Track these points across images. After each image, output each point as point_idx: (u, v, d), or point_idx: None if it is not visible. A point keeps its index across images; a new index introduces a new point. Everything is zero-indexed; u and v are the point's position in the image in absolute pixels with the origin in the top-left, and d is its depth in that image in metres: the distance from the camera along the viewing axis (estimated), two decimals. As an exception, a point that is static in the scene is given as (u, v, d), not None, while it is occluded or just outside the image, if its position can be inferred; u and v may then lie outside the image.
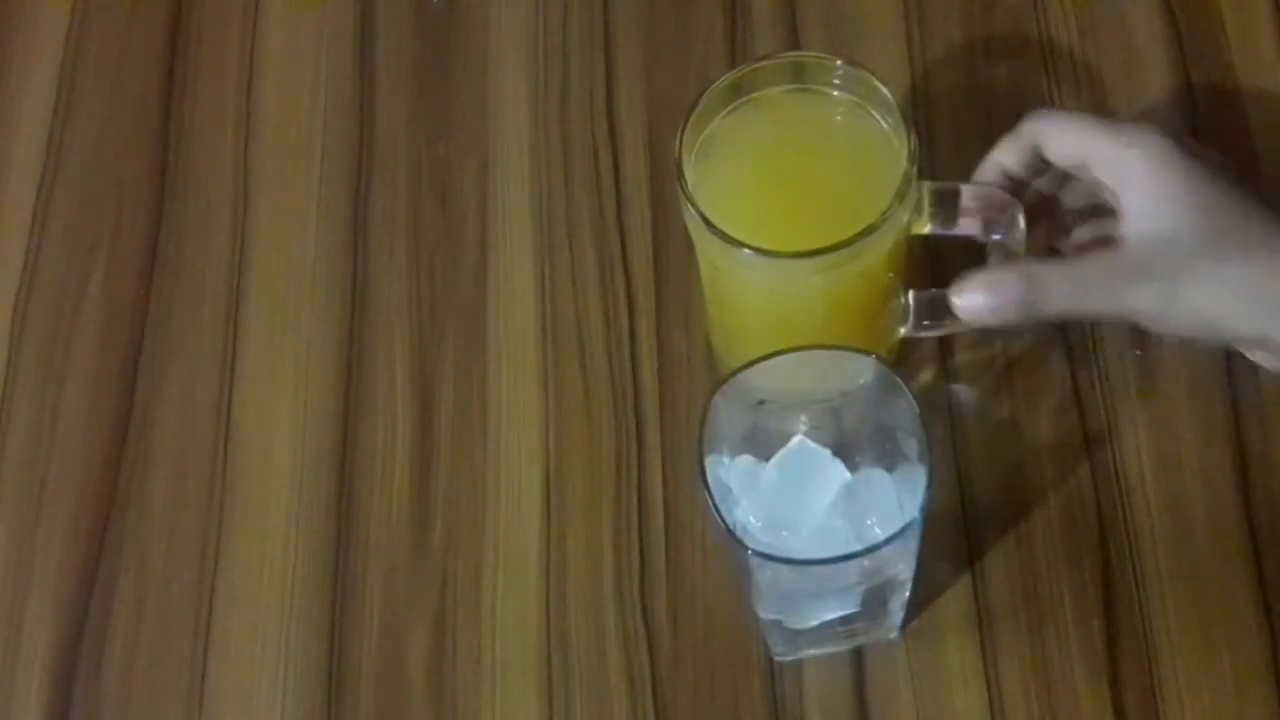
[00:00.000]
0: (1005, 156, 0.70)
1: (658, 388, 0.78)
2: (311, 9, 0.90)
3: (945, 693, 0.71)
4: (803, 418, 0.68)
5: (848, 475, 0.67)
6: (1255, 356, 0.72)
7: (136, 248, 0.84)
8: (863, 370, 0.65)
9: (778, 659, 0.72)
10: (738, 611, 0.72)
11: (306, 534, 0.76)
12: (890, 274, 0.71)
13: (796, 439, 0.68)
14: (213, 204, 0.85)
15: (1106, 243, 0.68)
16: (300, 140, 0.86)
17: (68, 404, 0.81)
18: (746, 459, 0.67)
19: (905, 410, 0.63)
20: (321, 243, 0.83)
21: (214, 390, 0.80)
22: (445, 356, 0.80)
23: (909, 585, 0.68)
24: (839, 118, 0.71)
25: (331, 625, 0.74)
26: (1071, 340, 0.77)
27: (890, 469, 0.67)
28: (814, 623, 0.69)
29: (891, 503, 0.66)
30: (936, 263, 0.76)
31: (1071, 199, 0.73)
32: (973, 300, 0.69)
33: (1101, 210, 0.70)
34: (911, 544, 0.64)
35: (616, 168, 0.84)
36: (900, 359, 0.76)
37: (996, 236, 0.70)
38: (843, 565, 0.61)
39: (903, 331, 0.74)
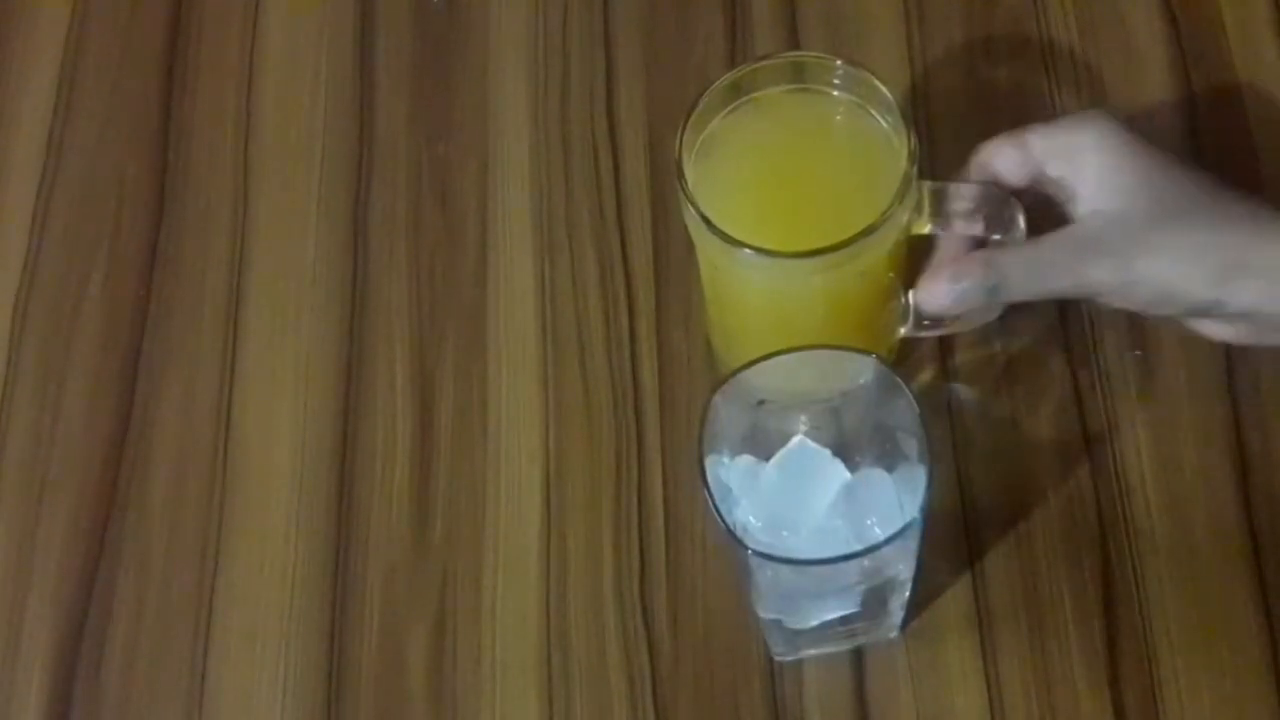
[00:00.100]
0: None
1: (658, 388, 0.78)
2: (311, 9, 0.90)
3: (945, 693, 0.71)
4: (803, 418, 0.68)
5: (848, 475, 0.67)
6: (1205, 328, 0.71)
7: (136, 247, 0.84)
8: (863, 370, 0.65)
9: (778, 659, 0.72)
10: (738, 611, 0.72)
11: (306, 534, 0.76)
12: (890, 274, 0.71)
13: (796, 439, 0.68)
14: (213, 204, 0.85)
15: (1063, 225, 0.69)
16: (300, 140, 0.86)
17: (68, 404, 0.81)
18: (746, 459, 0.67)
19: (905, 410, 0.63)
20: (321, 243, 0.83)
21: (214, 390, 0.80)
22: (445, 356, 0.80)
23: (909, 585, 0.68)
24: (839, 118, 0.71)
25: (331, 625, 0.74)
26: (1072, 340, 0.77)
27: (890, 469, 0.67)
28: (814, 623, 0.69)
29: (891, 503, 0.66)
30: (937, 263, 0.76)
31: None
32: (934, 292, 0.69)
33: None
34: (911, 544, 0.64)
35: (616, 168, 0.84)
36: (900, 359, 0.76)
37: (997, 236, 0.70)
38: (843, 565, 0.61)
39: (903, 331, 0.74)
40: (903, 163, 0.67)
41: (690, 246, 0.79)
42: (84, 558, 0.77)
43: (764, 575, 0.64)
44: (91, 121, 0.88)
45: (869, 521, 0.66)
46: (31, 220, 0.85)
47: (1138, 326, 0.75)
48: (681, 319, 0.79)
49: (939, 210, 0.69)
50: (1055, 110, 0.82)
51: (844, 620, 0.69)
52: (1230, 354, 0.75)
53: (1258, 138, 0.80)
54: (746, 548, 0.61)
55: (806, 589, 0.66)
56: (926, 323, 0.73)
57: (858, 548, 0.61)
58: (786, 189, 0.70)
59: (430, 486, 0.77)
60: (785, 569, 0.62)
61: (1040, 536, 0.73)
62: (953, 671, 0.71)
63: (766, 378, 0.65)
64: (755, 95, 0.70)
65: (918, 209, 0.69)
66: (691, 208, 0.67)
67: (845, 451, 0.67)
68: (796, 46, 0.86)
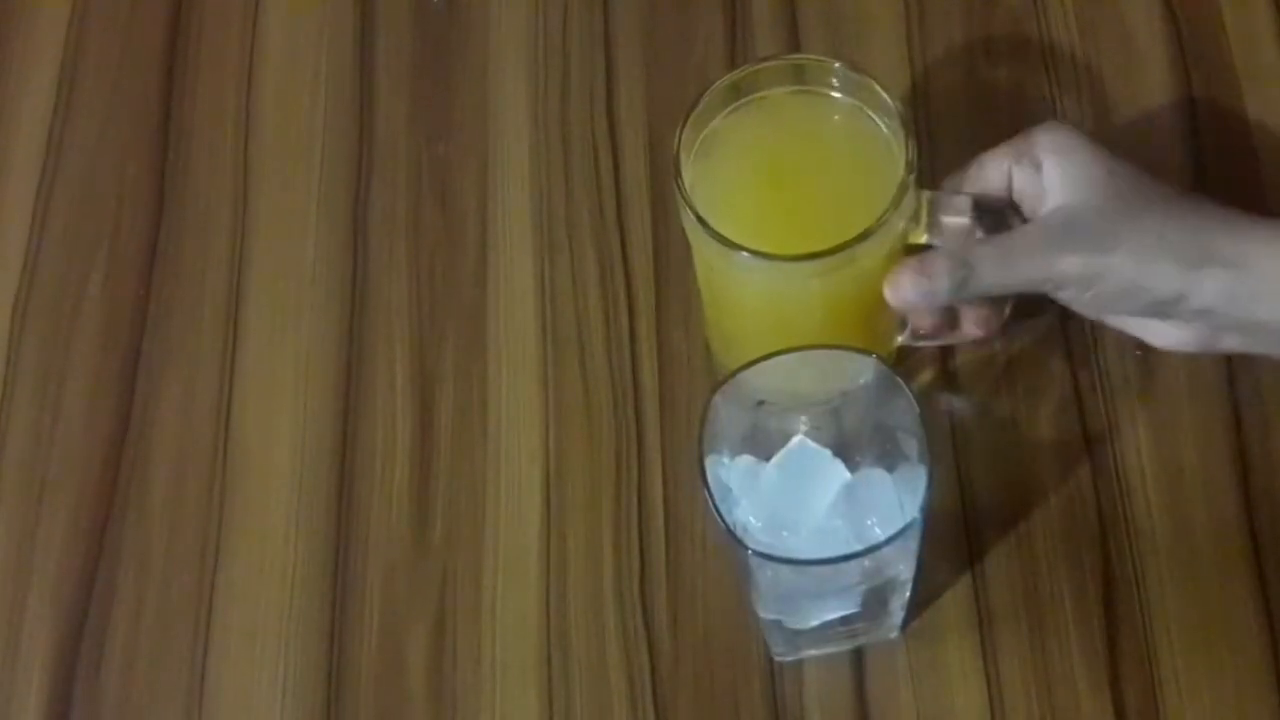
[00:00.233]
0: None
1: (658, 388, 0.78)
2: (311, 9, 0.90)
3: (945, 693, 0.71)
4: (803, 418, 0.68)
5: (848, 475, 0.67)
6: (1157, 334, 0.71)
7: (136, 247, 0.84)
8: (863, 370, 0.65)
9: (778, 659, 0.72)
10: (738, 611, 0.72)
11: (306, 534, 0.76)
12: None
13: (797, 439, 0.67)
14: (212, 204, 0.85)
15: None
16: (300, 140, 0.86)
17: (67, 403, 0.81)
18: (746, 459, 0.67)
19: (905, 410, 0.63)
20: (321, 243, 0.83)
21: (214, 390, 0.80)
22: (445, 356, 0.80)
23: (909, 585, 0.68)
24: (839, 121, 0.71)
25: (331, 625, 0.74)
26: (1072, 340, 0.77)
27: (890, 469, 0.67)
28: (814, 623, 0.69)
29: (892, 503, 0.66)
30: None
31: None
32: (903, 287, 0.68)
33: None
34: (912, 544, 0.64)
35: (616, 168, 0.84)
36: (900, 359, 0.76)
37: None
38: (843, 565, 0.61)
39: (899, 340, 0.74)
40: (900, 170, 0.67)
41: (690, 246, 0.79)
42: (84, 558, 0.77)
43: (764, 575, 0.64)
44: (91, 121, 0.88)
45: (869, 522, 0.66)
46: (31, 220, 0.85)
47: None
48: (681, 319, 0.79)
49: (935, 220, 0.69)
50: (1056, 111, 0.82)
51: (844, 620, 0.69)
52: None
53: (1258, 138, 0.80)
54: (746, 548, 0.61)
55: (807, 589, 0.66)
56: (923, 332, 0.73)
57: (858, 548, 0.61)
58: (784, 192, 0.70)
59: (430, 486, 0.77)
60: (785, 569, 0.62)
61: (1041, 537, 0.73)
62: (953, 672, 0.71)
63: (766, 378, 0.65)
64: (755, 97, 0.70)
65: (915, 218, 0.68)
66: (688, 209, 0.67)
67: (845, 451, 0.67)
68: (797, 47, 0.86)
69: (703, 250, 0.70)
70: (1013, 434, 0.75)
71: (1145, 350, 0.75)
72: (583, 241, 0.82)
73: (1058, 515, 0.73)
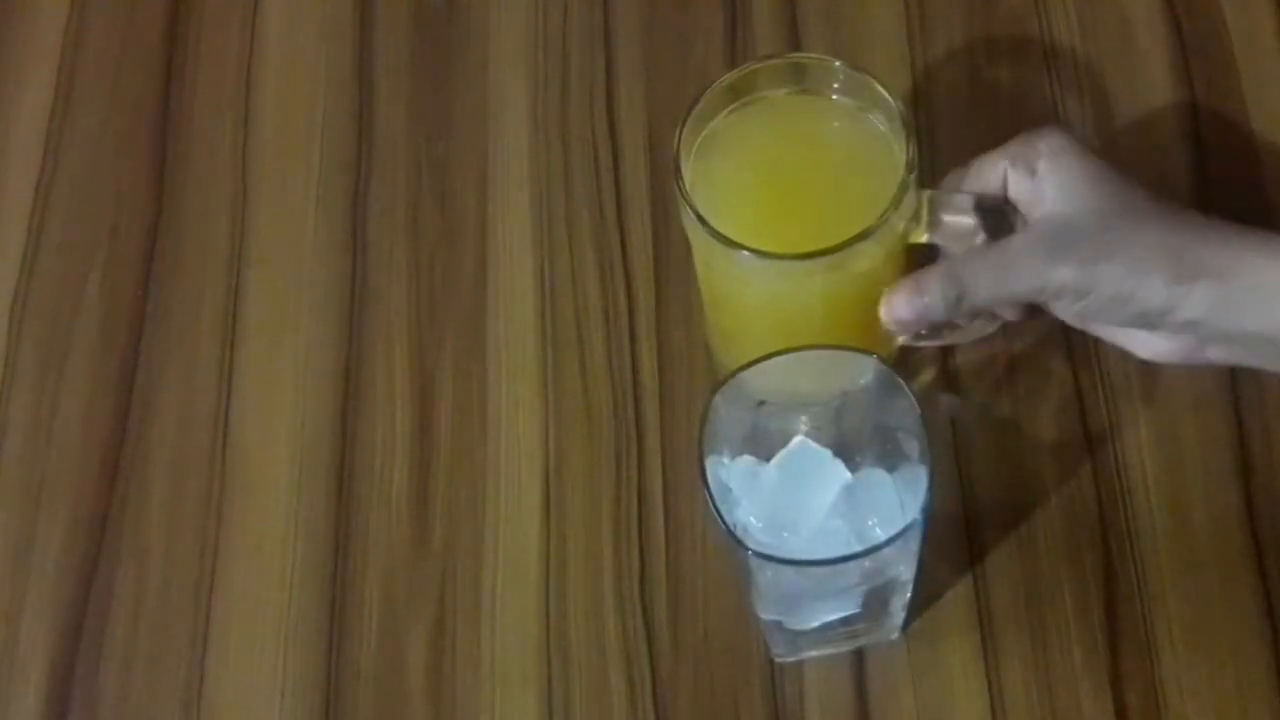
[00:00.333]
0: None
1: (658, 388, 0.78)
2: (311, 8, 0.90)
3: (946, 694, 0.71)
4: (803, 418, 0.68)
5: (848, 476, 0.67)
6: (1143, 345, 0.71)
7: (135, 247, 0.84)
8: (863, 370, 0.65)
9: (778, 660, 0.72)
10: (738, 612, 0.72)
11: (305, 534, 0.76)
12: (888, 282, 0.71)
13: (797, 439, 0.67)
14: (211, 204, 0.85)
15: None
16: (299, 139, 0.86)
17: (66, 404, 0.81)
18: (747, 459, 0.67)
19: (906, 410, 0.63)
20: (321, 242, 0.83)
21: (213, 390, 0.80)
22: (445, 356, 0.80)
23: (910, 586, 0.68)
24: (839, 121, 0.71)
25: (330, 625, 0.74)
26: (1073, 341, 0.77)
27: (891, 469, 0.67)
28: (815, 624, 0.69)
29: (892, 503, 0.66)
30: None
31: None
32: (899, 309, 0.68)
33: None
34: (912, 545, 0.64)
35: (616, 168, 0.83)
36: (900, 359, 0.76)
37: None
38: (843, 566, 0.61)
39: (900, 341, 0.74)
40: (900, 170, 0.67)
41: (690, 246, 0.79)
42: (82, 558, 0.77)
43: (764, 576, 0.64)
44: (90, 121, 0.88)
45: (870, 522, 0.66)
46: (29, 219, 0.85)
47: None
48: (681, 319, 0.79)
49: (936, 219, 0.69)
50: (1057, 111, 0.82)
51: (845, 621, 0.69)
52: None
53: (1259, 137, 0.80)
54: (747, 548, 0.60)
55: (807, 590, 0.66)
56: (923, 332, 0.73)
57: (858, 548, 0.61)
58: (785, 191, 0.70)
59: (430, 486, 0.77)
60: (786, 569, 0.62)
61: (1042, 537, 0.73)
62: (954, 672, 0.71)
63: (767, 378, 0.64)
64: (755, 96, 0.70)
65: (915, 218, 0.68)
66: (689, 209, 0.67)
67: (846, 452, 0.67)
68: (797, 46, 0.86)
69: (703, 250, 0.70)
70: (1014, 434, 0.75)
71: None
72: (583, 241, 0.82)
73: (1059, 515, 0.73)
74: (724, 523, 0.61)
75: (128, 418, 0.80)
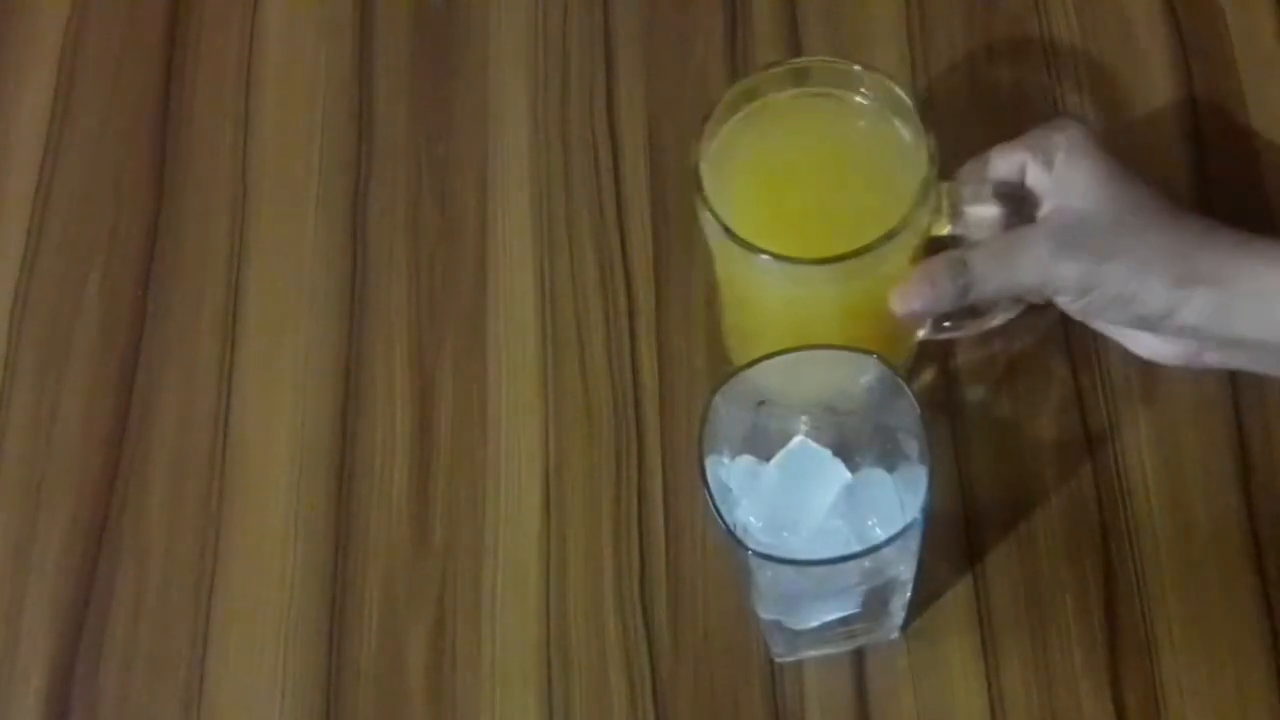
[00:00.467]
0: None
1: (658, 388, 0.78)
2: (310, 8, 0.90)
3: (946, 693, 0.71)
4: (803, 418, 0.68)
5: (848, 476, 0.67)
6: (1144, 346, 0.72)
7: (135, 247, 0.84)
8: (864, 370, 0.65)
9: (778, 660, 0.72)
10: (738, 611, 0.72)
11: (305, 534, 0.76)
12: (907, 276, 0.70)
13: (797, 439, 0.67)
14: (211, 204, 0.85)
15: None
16: (299, 139, 0.86)
17: (66, 404, 0.81)
18: (747, 459, 0.67)
19: (906, 410, 0.63)
20: (321, 242, 0.83)
21: (212, 390, 0.80)
22: (445, 356, 0.80)
23: (910, 586, 0.68)
24: (854, 122, 0.71)
25: (331, 626, 0.74)
26: (1073, 341, 0.77)
27: (891, 469, 0.67)
28: (814, 623, 0.69)
29: (892, 503, 0.66)
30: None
31: None
32: (909, 298, 0.69)
33: None
34: (912, 544, 0.64)
35: (616, 168, 0.83)
36: (919, 355, 0.76)
37: None
38: (843, 566, 0.61)
39: (921, 334, 0.74)
40: (923, 166, 0.67)
41: (690, 246, 0.79)
42: (82, 558, 0.77)
43: (764, 576, 0.64)
44: (90, 121, 0.88)
45: (870, 522, 0.66)
46: (29, 219, 0.85)
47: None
48: (681, 319, 0.79)
49: (957, 211, 0.69)
50: (1057, 111, 0.82)
51: (844, 621, 0.69)
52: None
53: (1259, 137, 0.80)
54: (746, 548, 0.60)
55: (807, 589, 0.66)
56: (946, 325, 0.73)
57: (858, 548, 0.61)
58: (803, 194, 0.70)
59: (430, 486, 0.77)
60: (786, 569, 0.62)
61: (1041, 537, 0.73)
62: (954, 672, 0.71)
63: (767, 378, 0.64)
64: (769, 100, 0.70)
65: (936, 210, 0.68)
66: (710, 215, 0.66)
67: (846, 452, 0.67)
68: (797, 46, 0.86)
69: (725, 255, 0.70)
70: (1014, 434, 0.75)
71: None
72: (583, 241, 0.82)
73: (1058, 515, 0.73)
74: (724, 523, 0.61)
75: (128, 418, 0.80)
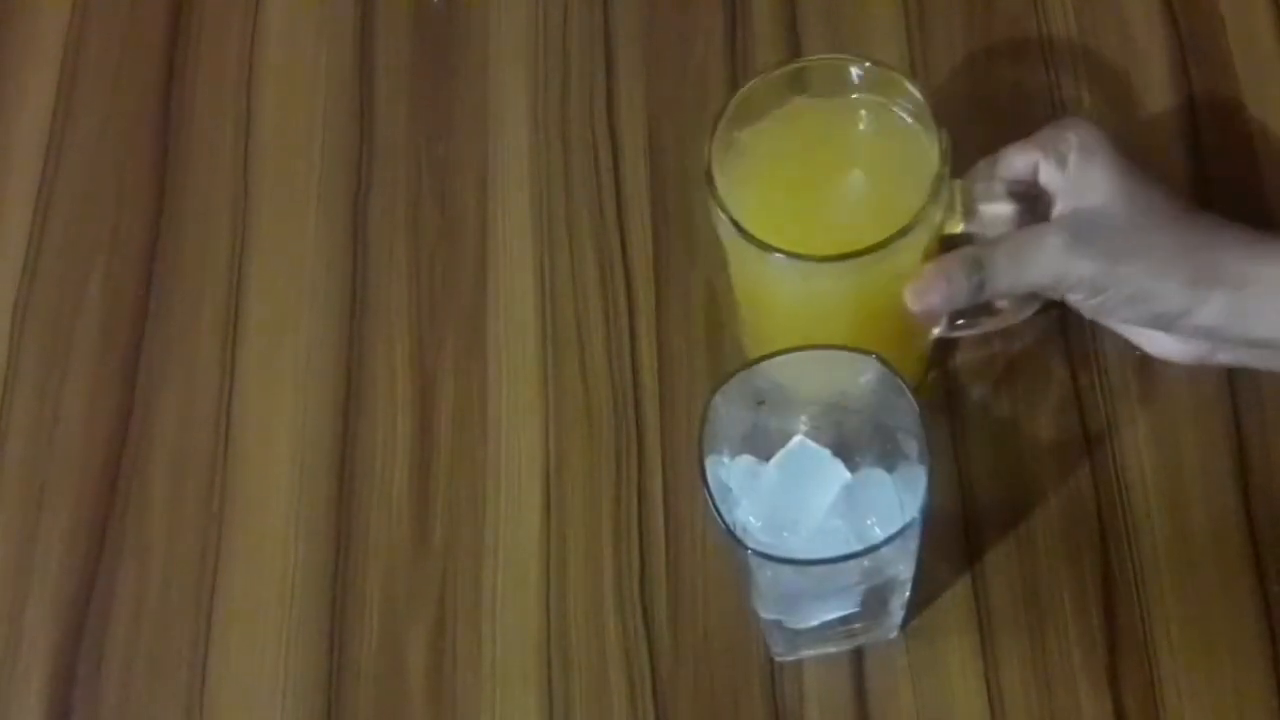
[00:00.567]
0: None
1: (658, 388, 0.78)
2: (311, 8, 0.90)
3: (945, 692, 0.71)
4: (803, 418, 0.68)
5: (848, 475, 0.67)
6: (1158, 345, 0.72)
7: (136, 247, 0.84)
8: (863, 370, 0.65)
9: (778, 659, 0.72)
10: (738, 611, 0.72)
11: (306, 534, 0.76)
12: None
13: (797, 439, 0.67)
14: (212, 204, 0.85)
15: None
16: (300, 139, 0.86)
17: (68, 404, 0.81)
18: (746, 459, 0.67)
19: (905, 410, 0.63)
20: (321, 242, 0.83)
21: (214, 390, 0.80)
22: (445, 356, 0.80)
23: (909, 585, 0.68)
24: (865, 119, 0.71)
25: (331, 625, 0.74)
26: (1072, 341, 0.77)
27: (890, 469, 0.67)
28: (814, 623, 0.69)
29: (891, 503, 0.66)
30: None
31: None
32: (924, 294, 0.69)
33: None
34: (911, 544, 0.64)
35: (616, 168, 0.84)
36: (935, 353, 0.76)
37: None
38: (843, 565, 0.61)
39: (937, 332, 0.74)
40: (934, 162, 0.67)
41: (690, 246, 0.79)
42: (84, 558, 0.77)
43: (764, 575, 0.64)
44: (91, 121, 0.88)
45: (869, 521, 0.66)
46: (31, 220, 0.85)
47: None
48: (681, 319, 0.79)
49: (970, 208, 0.69)
50: (1056, 111, 0.82)
51: (844, 620, 0.69)
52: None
53: (1258, 138, 0.80)
54: (746, 548, 0.61)
55: (806, 589, 0.66)
56: (960, 322, 0.73)
57: (858, 548, 0.61)
58: (815, 192, 0.70)
59: (430, 486, 0.77)
60: (785, 569, 0.62)
61: (1040, 536, 0.73)
62: (953, 671, 0.71)
63: (767, 378, 0.65)
64: (780, 99, 0.70)
65: (950, 208, 0.68)
66: (724, 214, 0.66)
67: (845, 452, 0.67)
68: (797, 47, 0.86)
69: (738, 254, 0.70)
70: (1012, 434, 0.75)
71: (1144, 351, 0.76)
72: (583, 241, 0.82)
73: (1057, 515, 0.73)
74: (724, 522, 0.61)
75: (129, 418, 0.80)
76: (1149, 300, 0.68)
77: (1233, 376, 0.75)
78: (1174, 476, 0.74)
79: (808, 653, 0.72)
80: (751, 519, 0.67)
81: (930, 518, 0.61)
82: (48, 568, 0.77)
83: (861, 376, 0.65)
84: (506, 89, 0.86)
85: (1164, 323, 0.69)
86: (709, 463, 0.63)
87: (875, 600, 0.68)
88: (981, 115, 0.82)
